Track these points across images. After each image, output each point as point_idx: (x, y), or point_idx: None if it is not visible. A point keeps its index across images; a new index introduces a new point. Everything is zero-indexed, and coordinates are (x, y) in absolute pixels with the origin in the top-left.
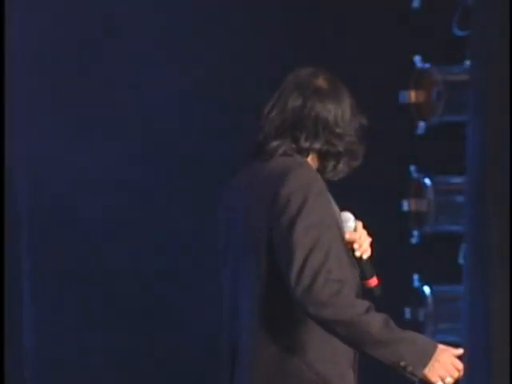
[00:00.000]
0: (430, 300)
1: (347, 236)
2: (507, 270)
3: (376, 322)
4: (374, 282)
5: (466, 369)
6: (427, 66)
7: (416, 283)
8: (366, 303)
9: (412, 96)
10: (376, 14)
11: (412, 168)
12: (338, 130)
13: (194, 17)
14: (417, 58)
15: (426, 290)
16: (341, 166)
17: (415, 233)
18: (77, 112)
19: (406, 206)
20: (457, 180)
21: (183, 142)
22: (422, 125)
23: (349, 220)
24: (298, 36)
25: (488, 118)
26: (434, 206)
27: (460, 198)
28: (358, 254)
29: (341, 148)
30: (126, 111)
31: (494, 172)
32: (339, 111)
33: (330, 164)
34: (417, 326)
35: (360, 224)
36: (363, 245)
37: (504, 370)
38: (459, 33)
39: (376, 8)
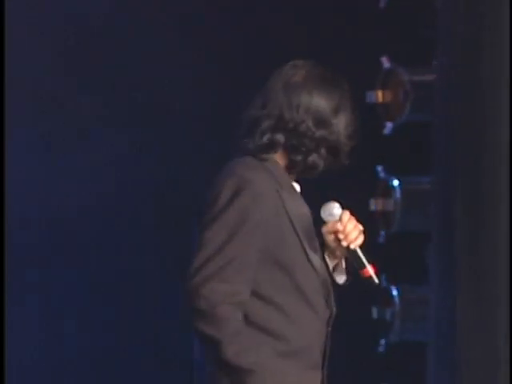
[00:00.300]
0: (397, 300)
1: (329, 226)
2: (474, 270)
3: (233, 346)
4: (367, 272)
5: (432, 368)
6: (394, 66)
7: (383, 283)
8: (235, 326)
9: (379, 96)
10: (343, 15)
11: (379, 168)
12: (302, 125)
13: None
14: (384, 59)
15: (393, 289)
16: (311, 161)
17: (382, 233)
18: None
19: (373, 205)
20: (424, 180)
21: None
22: (389, 125)
23: (332, 210)
24: (262, 36)
25: (454, 117)
26: (400, 206)
27: (427, 198)
28: (344, 244)
29: (308, 143)
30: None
31: (460, 172)
32: (308, 105)
33: (298, 160)
34: (384, 326)
35: (346, 214)
36: (349, 235)
37: (470, 368)
38: (426, 33)
39: (343, 8)
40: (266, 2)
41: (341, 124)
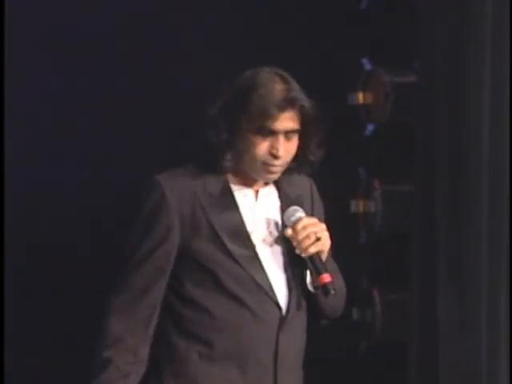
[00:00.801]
0: (377, 301)
1: (285, 232)
2: (454, 270)
3: (99, 357)
4: (321, 280)
5: (413, 369)
6: (375, 67)
7: (364, 284)
8: (112, 336)
9: (360, 98)
10: (323, 15)
11: (360, 169)
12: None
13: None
14: (365, 60)
15: (374, 291)
16: (226, 160)
17: (363, 233)
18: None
19: (354, 207)
20: (405, 181)
21: None
22: (370, 126)
23: (290, 216)
24: (245, 36)
25: (434, 119)
26: (381, 207)
27: (408, 200)
28: (297, 251)
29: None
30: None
31: (441, 173)
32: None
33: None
34: (364, 327)
35: (301, 221)
36: (301, 243)
37: (452, 369)
38: (407, 34)
39: (324, 9)
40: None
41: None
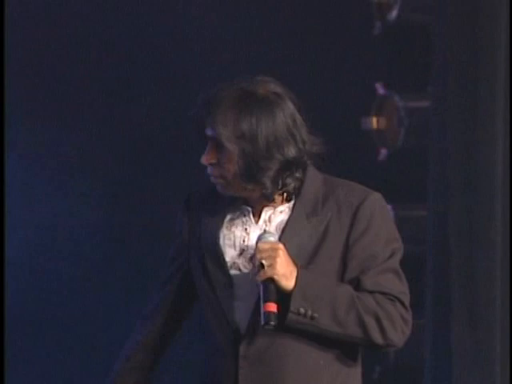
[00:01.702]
0: None
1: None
2: (468, 295)
3: None
4: (264, 307)
5: None
6: (389, 92)
7: None
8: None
9: (374, 123)
10: (337, 41)
11: None
12: None
13: None
14: (378, 85)
15: None
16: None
17: None
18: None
19: None
20: (419, 206)
21: None
22: (383, 151)
23: (258, 240)
24: (258, 62)
25: (449, 144)
26: None
27: (422, 225)
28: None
29: None
30: None
31: (455, 198)
32: None
33: None
34: (379, 352)
35: (257, 247)
36: (256, 266)
37: None
38: (420, 59)
39: (337, 34)
40: (259, 28)
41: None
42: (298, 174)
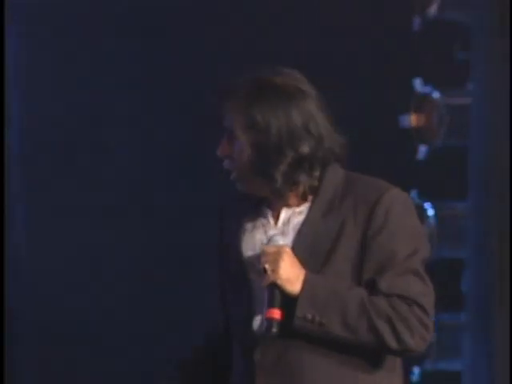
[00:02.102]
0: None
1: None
2: (508, 296)
3: None
4: (270, 313)
5: None
6: (428, 89)
7: None
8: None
9: (413, 120)
10: (376, 37)
11: (413, 193)
12: None
13: None
14: (417, 82)
15: None
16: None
17: None
18: None
19: None
20: (459, 205)
21: None
22: (423, 149)
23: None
24: (296, 57)
25: (489, 141)
26: (435, 231)
27: (462, 224)
28: None
29: None
30: None
31: (495, 197)
32: None
33: None
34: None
35: (268, 248)
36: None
37: None
38: (460, 55)
39: (376, 31)
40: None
41: None
42: (315, 172)
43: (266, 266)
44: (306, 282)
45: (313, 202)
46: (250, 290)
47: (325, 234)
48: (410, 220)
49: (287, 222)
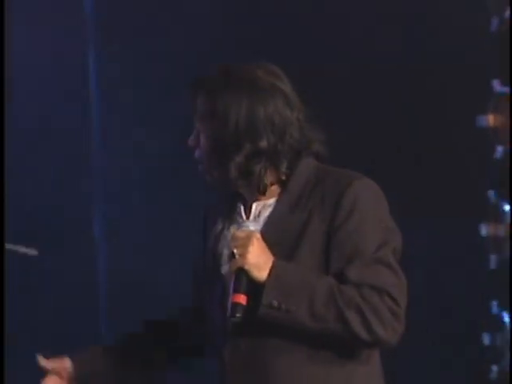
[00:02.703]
0: (508, 326)
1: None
2: None
3: None
4: (236, 298)
5: None
6: (506, 89)
7: (495, 309)
8: None
9: (491, 120)
10: (454, 38)
11: (490, 193)
12: None
13: None
14: (495, 82)
15: (505, 315)
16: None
17: (493, 258)
18: None
19: (484, 230)
20: None
21: None
22: (500, 149)
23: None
24: (375, 62)
25: None
26: None
27: None
28: None
29: None
30: None
31: None
32: None
33: None
34: (496, 352)
35: (238, 233)
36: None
37: None
38: None
39: (454, 32)
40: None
41: None
42: (281, 167)
43: (235, 250)
44: (273, 269)
45: (280, 195)
46: (224, 287)
47: (291, 227)
48: (379, 210)
49: (258, 215)
